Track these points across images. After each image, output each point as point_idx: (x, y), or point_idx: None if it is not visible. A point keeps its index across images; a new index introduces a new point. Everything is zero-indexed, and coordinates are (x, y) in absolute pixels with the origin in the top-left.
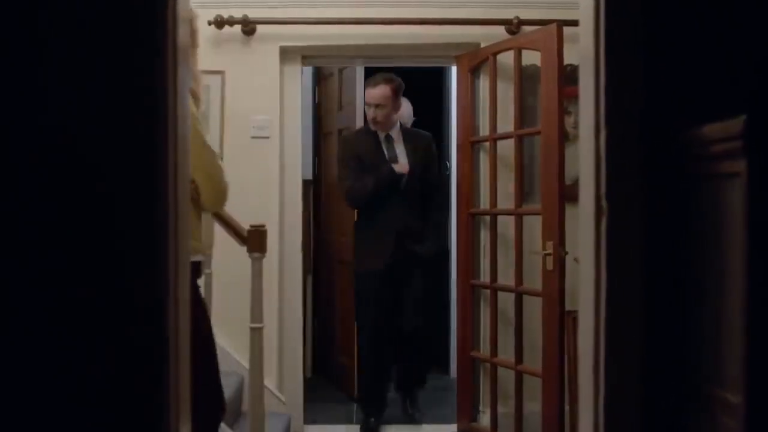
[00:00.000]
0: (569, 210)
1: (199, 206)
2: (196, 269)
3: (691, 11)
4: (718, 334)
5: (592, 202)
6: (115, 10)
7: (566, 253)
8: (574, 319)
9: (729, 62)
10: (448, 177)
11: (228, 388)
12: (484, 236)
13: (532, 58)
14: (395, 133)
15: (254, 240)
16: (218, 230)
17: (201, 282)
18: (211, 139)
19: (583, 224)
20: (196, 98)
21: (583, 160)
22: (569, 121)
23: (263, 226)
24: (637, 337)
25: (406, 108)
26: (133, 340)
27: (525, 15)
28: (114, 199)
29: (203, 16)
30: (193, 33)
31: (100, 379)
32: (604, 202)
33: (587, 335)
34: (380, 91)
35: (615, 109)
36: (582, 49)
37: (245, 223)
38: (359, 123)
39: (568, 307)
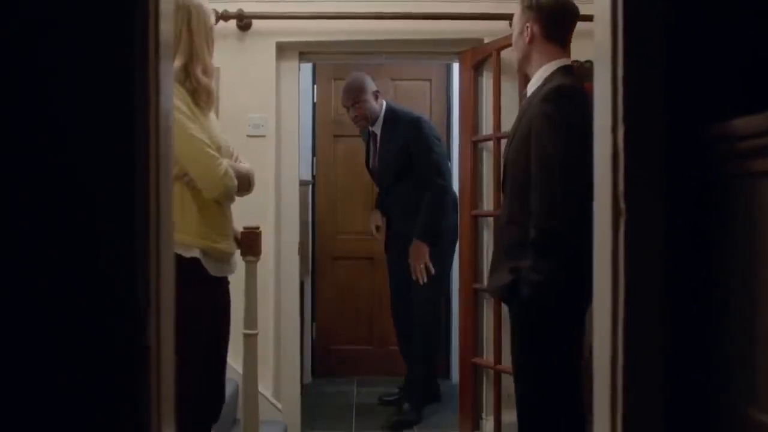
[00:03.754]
0: None
1: (211, 199)
2: (196, 268)
3: None
4: (748, 347)
5: (608, 203)
6: (93, 3)
7: None
8: None
9: (758, 52)
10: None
11: None
12: (488, 239)
13: None
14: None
15: (248, 243)
16: None
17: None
18: (203, 129)
19: (598, 227)
20: (209, 94)
21: (598, 159)
22: None
23: (257, 228)
24: (659, 348)
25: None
26: (110, 348)
27: None
28: (92, 198)
29: None
30: (210, 30)
31: (74, 391)
32: (622, 203)
33: (603, 347)
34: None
35: (634, 103)
36: (598, 41)
37: (239, 225)
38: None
39: None
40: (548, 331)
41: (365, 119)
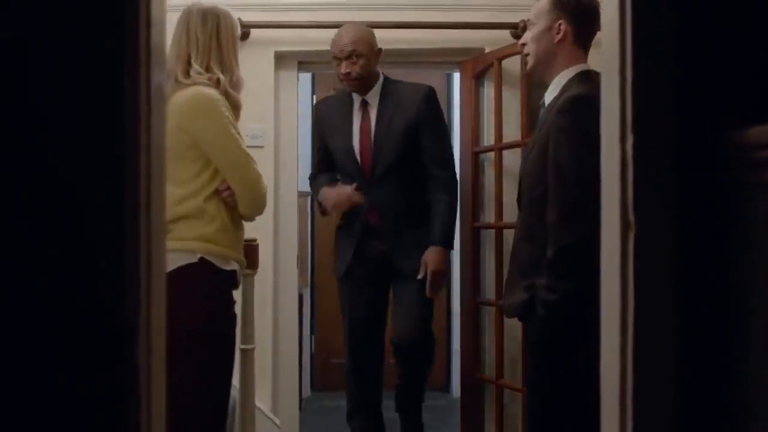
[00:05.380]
0: None
1: (237, 214)
2: (233, 279)
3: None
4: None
5: (617, 215)
6: (78, 8)
7: None
8: None
9: None
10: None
11: None
12: (489, 251)
13: None
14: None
15: (245, 255)
16: None
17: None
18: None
19: (606, 240)
20: (237, 107)
21: (606, 170)
22: None
23: (255, 240)
24: (671, 369)
25: None
26: (97, 368)
27: None
28: (77, 213)
29: None
30: (236, 40)
31: (57, 413)
32: (631, 216)
33: (612, 367)
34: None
35: (643, 112)
36: (605, 47)
37: None
38: None
39: None
40: (565, 350)
41: (359, 80)
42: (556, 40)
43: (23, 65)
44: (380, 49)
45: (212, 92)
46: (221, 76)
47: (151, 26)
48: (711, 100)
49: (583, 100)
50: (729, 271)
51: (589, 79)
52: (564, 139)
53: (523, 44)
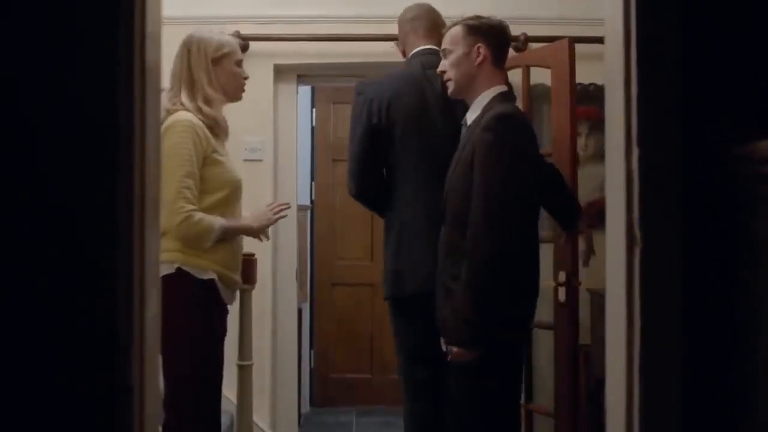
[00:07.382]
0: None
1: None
2: (213, 288)
3: (735, 8)
4: None
5: (622, 230)
6: (69, 28)
7: (579, 283)
8: (587, 354)
9: None
10: None
11: None
12: None
13: (539, 77)
14: None
15: (243, 270)
16: None
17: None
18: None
19: (611, 256)
20: (214, 124)
21: (611, 184)
22: (579, 143)
23: (253, 255)
24: (678, 390)
25: None
26: (91, 389)
27: (532, 32)
28: (75, 215)
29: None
30: (238, 62)
31: (54, 411)
32: (637, 231)
33: (617, 388)
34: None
35: (649, 125)
36: (609, 59)
37: None
38: None
39: (580, 341)
40: (484, 371)
41: None
42: (476, 63)
43: (23, 72)
44: (407, 31)
45: (182, 119)
46: (184, 100)
47: (146, 36)
48: (717, 111)
49: (507, 117)
50: (737, 286)
51: (509, 99)
52: (490, 154)
53: (443, 71)
